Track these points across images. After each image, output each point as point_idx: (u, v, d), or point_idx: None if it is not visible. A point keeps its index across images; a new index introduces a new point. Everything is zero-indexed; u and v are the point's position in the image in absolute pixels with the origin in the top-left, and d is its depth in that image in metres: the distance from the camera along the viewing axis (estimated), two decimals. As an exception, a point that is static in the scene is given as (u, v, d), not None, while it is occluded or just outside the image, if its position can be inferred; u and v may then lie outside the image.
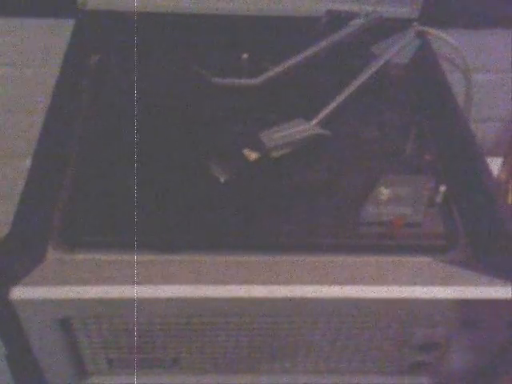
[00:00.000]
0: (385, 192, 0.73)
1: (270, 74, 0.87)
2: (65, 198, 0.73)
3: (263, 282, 0.65)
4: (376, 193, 0.73)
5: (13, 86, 1.07)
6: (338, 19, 0.93)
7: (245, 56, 0.88)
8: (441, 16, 0.98)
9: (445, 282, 0.66)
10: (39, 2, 0.97)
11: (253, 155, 0.77)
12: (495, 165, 1.11)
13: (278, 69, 0.87)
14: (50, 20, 0.98)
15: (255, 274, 0.67)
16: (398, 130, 0.83)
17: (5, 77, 1.06)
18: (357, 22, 0.92)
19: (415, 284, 0.66)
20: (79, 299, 0.63)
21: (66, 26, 0.92)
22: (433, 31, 0.96)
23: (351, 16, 0.93)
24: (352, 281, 0.66)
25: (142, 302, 0.64)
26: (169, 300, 0.64)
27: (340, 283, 0.65)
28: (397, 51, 0.90)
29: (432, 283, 0.66)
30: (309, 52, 0.89)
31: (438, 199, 0.73)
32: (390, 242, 0.71)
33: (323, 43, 0.90)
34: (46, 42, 1.01)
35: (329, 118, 0.81)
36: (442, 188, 0.73)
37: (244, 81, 0.86)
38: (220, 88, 0.86)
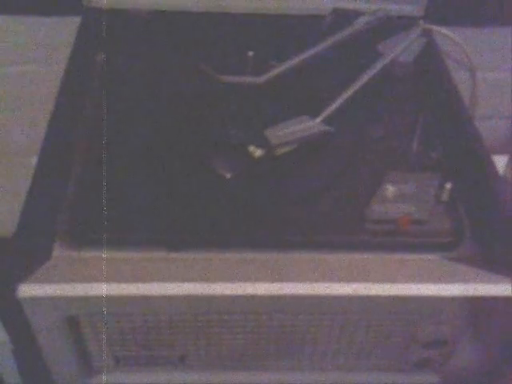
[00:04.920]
0: (391, 189, 0.73)
1: (276, 71, 0.87)
2: (71, 195, 0.73)
3: (269, 280, 0.65)
4: (382, 190, 0.73)
5: (19, 83, 1.07)
6: (343, 17, 0.93)
7: (250, 54, 0.88)
8: (446, 14, 0.98)
9: (451, 279, 0.66)
10: (45, 0, 0.97)
11: (258, 152, 0.77)
12: (501, 163, 1.11)
13: (284, 67, 0.87)
14: (56, 18, 0.99)
15: (260, 272, 0.67)
16: (403, 128, 0.83)
17: (11, 74, 1.06)
18: (362, 20, 0.92)
19: (421, 281, 0.66)
20: (86, 297, 0.63)
21: (72, 24, 0.92)
22: (438, 29, 0.96)
23: (357, 14, 0.93)
24: (358, 278, 0.66)
25: (149, 300, 0.64)
26: (175, 297, 0.64)
27: (346, 281, 0.65)
28: (402, 49, 0.90)
29: (438, 280, 0.66)
30: (314, 50, 0.89)
31: (444, 197, 0.73)
32: (396, 239, 0.71)
33: (329, 41, 0.90)
34: (51, 39, 1.01)
35: (334, 115, 0.81)
36: (448, 185, 0.73)
37: (249, 78, 0.86)
38: (225, 85, 0.86)
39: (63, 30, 0.96)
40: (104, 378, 0.76)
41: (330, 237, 0.71)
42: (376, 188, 0.73)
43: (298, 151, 0.78)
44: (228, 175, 0.75)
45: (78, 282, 0.63)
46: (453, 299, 0.66)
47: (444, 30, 0.96)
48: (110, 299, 0.64)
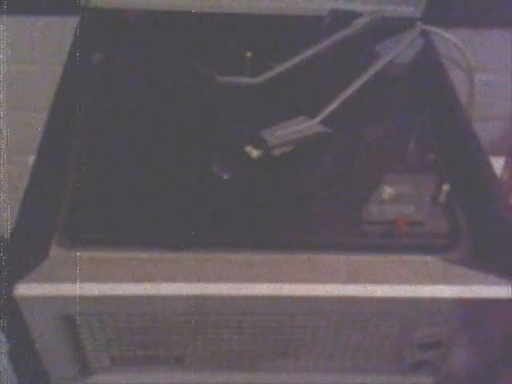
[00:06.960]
0: (388, 191, 0.73)
1: (274, 72, 0.87)
2: (68, 194, 0.73)
3: (266, 281, 0.65)
4: (379, 192, 0.73)
5: (16, 83, 1.07)
6: (341, 18, 0.93)
7: (248, 54, 0.88)
8: (444, 15, 0.98)
9: (447, 280, 0.66)
10: (43, 0, 0.97)
11: (255, 153, 0.77)
12: (498, 164, 1.12)
13: (282, 67, 0.87)
14: (54, 18, 0.99)
15: (258, 273, 0.67)
16: (400, 129, 0.83)
17: (9, 74, 1.06)
18: (360, 22, 0.92)
19: (417, 283, 0.66)
20: (82, 296, 0.63)
21: (70, 24, 0.92)
22: (436, 30, 0.96)
23: (355, 15, 0.93)
24: (354, 279, 0.66)
25: (146, 300, 0.64)
26: (172, 298, 0.64)
27: (342, 282, 0.65)
28: (400, 50, 0.90)
29: (434, 282, 0.66)
30: (312, 51, 0.89)
31: (441, 198, 0.73)
32: (393, 240, 0.71)
33: (326, 42, 0.90)
34: (49, 39, 1.01)
35: (331, 116, 0.81)
36: (445, 187, 0.73)
37: (247, 79, 0.86)
38: (223, 86, 0.86)
39: (61, 30, 0.97)
40: (100, 378, 0.76)
41: (327, 238, 0.71)
42: (373, 189, 0.73)
43: (295, 152, 0.78)
44: (225, 176, 0.75)
45: (75, 282, 0.63)
46: (448, 300, 0.66)
47: (442, 32, 0.96)
48: (107, 299, 0.64)
